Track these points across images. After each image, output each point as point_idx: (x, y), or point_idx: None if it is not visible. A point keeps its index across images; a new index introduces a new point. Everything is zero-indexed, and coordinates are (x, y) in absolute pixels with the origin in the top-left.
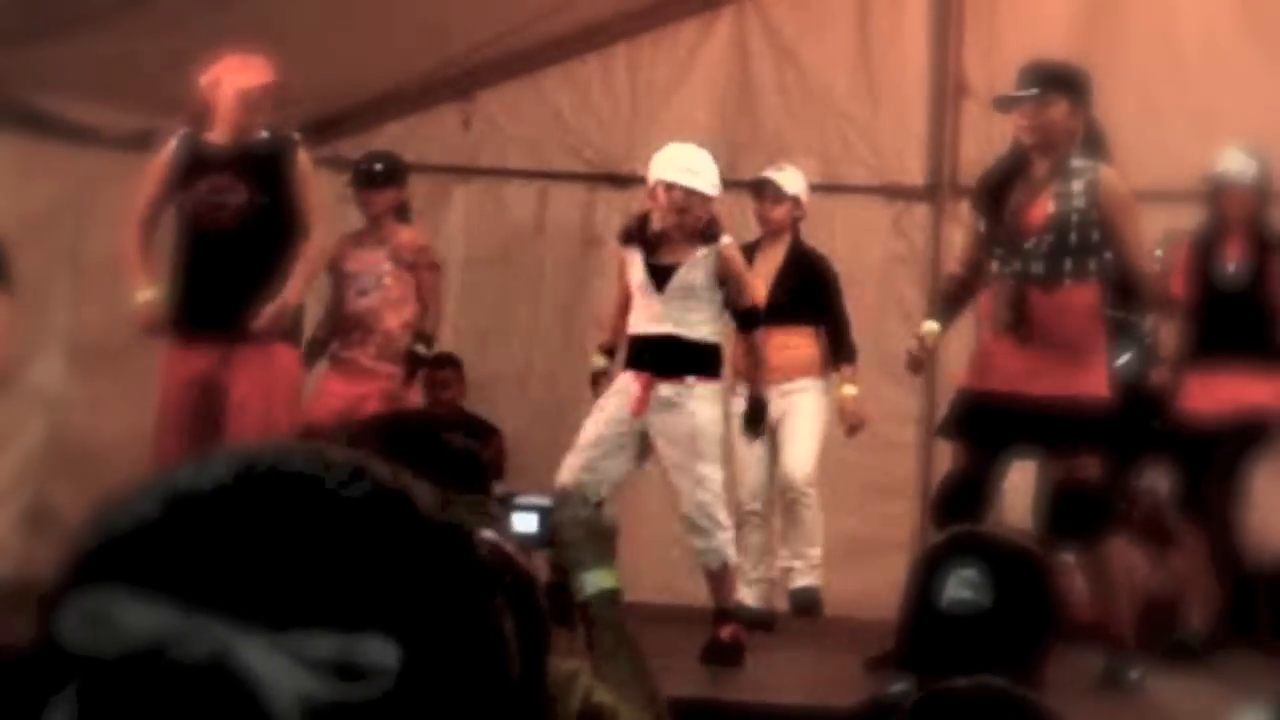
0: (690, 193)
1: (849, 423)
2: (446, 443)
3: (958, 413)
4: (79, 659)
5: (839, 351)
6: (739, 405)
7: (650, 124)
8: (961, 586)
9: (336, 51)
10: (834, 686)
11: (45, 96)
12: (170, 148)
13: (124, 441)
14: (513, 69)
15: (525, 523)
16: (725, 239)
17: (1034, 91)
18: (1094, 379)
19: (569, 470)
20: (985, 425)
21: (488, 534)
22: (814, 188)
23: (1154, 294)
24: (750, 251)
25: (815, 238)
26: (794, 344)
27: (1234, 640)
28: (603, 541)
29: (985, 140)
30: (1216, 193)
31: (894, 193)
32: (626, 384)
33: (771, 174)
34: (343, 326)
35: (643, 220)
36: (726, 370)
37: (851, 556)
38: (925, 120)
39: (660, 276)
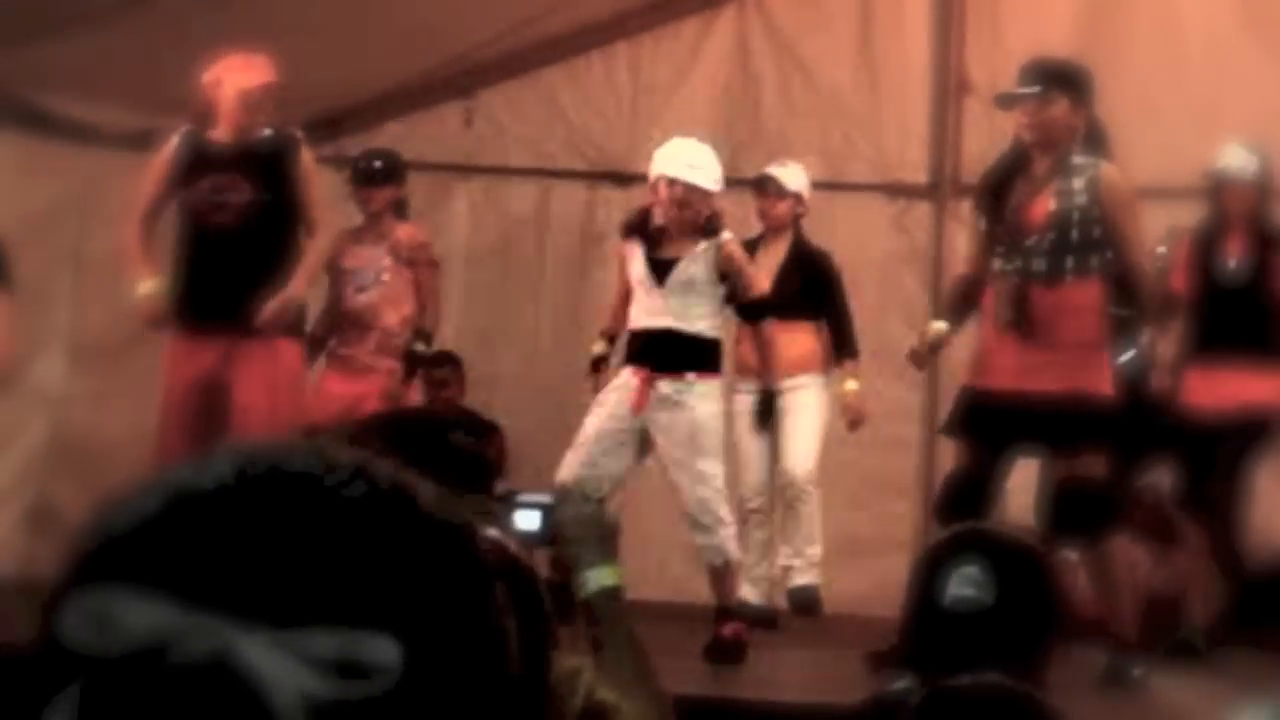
0: (691, 188)
1: (850, 417)
2: (448, 441)
3: (961, 411)
4: (81, 658)
5: (841, 347)
6: (743, 402)
7: (652, 122)
8: (964, 584)
9: (338, 50)
10: (836, 684)
11: (47, 95)
12: (173, 145)
13: (126, 440)
14: (514, 67)
15: (527, 520)
16: (726, 234)
17: (1035, 89)
18: (1096, 376)
19: (569, 467)
20: (988, 423)
21: (491, 532)
22: (816, 185)
23: (1152, 294)
24: (752, 248)
25: (817, 235)
26: (795, 340)
27: (1237, 638)
28: (605, 539)
29: (987, 137)
30: (1217, 189)
31: (896, 190)
32: (626, 380)
33: (773, 171)
34: (341, 323)
35: (644, 214)
36: (727, 366)
37: (854, 554)
38: (927, 118)
39: (661, 270)
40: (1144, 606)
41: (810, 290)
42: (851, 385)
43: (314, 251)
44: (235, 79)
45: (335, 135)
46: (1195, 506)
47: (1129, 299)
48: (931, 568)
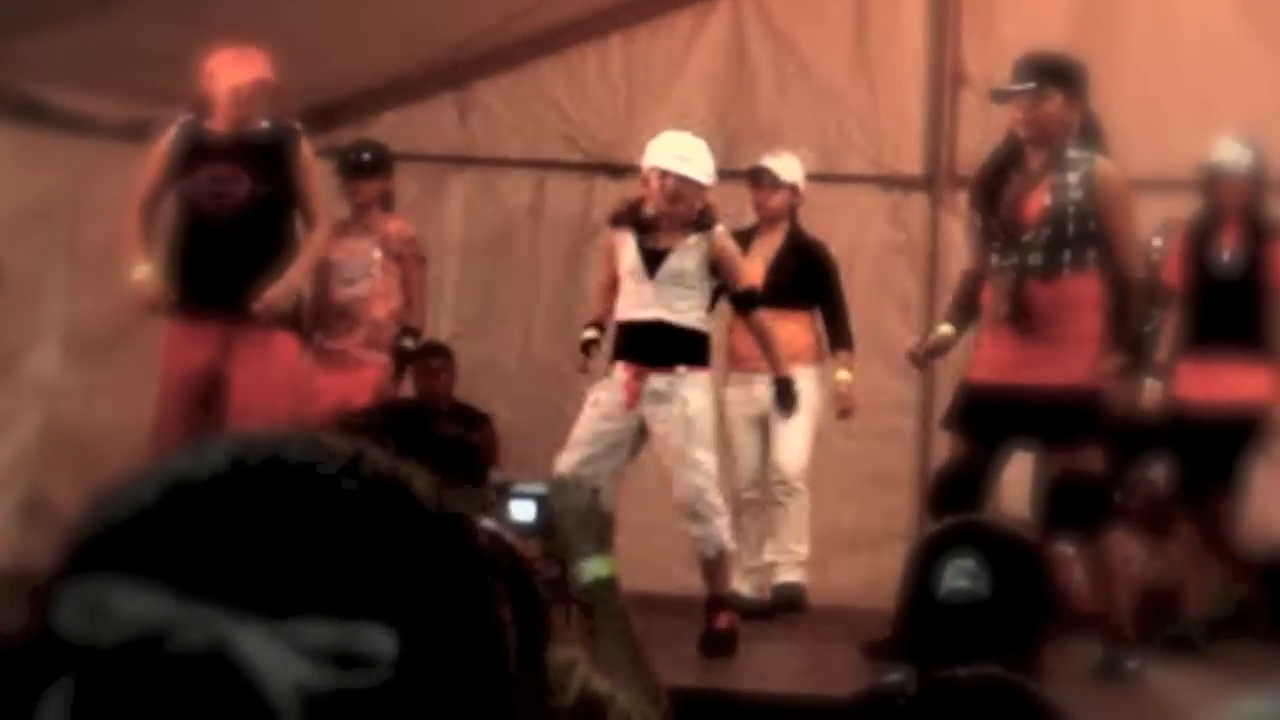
0: (684, 180)
1: (840, 406)
2: (438, 432)
3: (958, 405)
4: (76, 648)
5: (836, 338)
6: (736, 393)
7: (647, 113)
8: (959, 576)
9: (333, 41)
10: (831, 676)
11: (42, 86)
12: (171, 134)
13: (120, 431)
14: (509, 59)
15: (522, 511)
16: (719, 228)
17: (1030, 86)
18: (1087, 366)
19: (564, 467)
20: (982, 418)
21: (486, 523)
22: (811, 177)
23: (1143, 294)
24: (747, 238)
25: (812, 227)
26: (789, 331)
27: (1235, 631)
28: (600, 529)
29: (982, 129)
30: (1212, 182)
31: (891, 182)
32: (617, 377)
33: (767, 162)
34: (327, 316)
35: (634, 205)
36: (721, 357)
37: (849, 546)
38: (923, 109)
39: (652, 262)
40: (1139, 599)
41: (805, 281)
42: (844, 376)
43: (313, 243)
44: (227, 74)
45: (330, 127)
46: (1191, 500)
47: (1121, 295)
48: (927, 560)
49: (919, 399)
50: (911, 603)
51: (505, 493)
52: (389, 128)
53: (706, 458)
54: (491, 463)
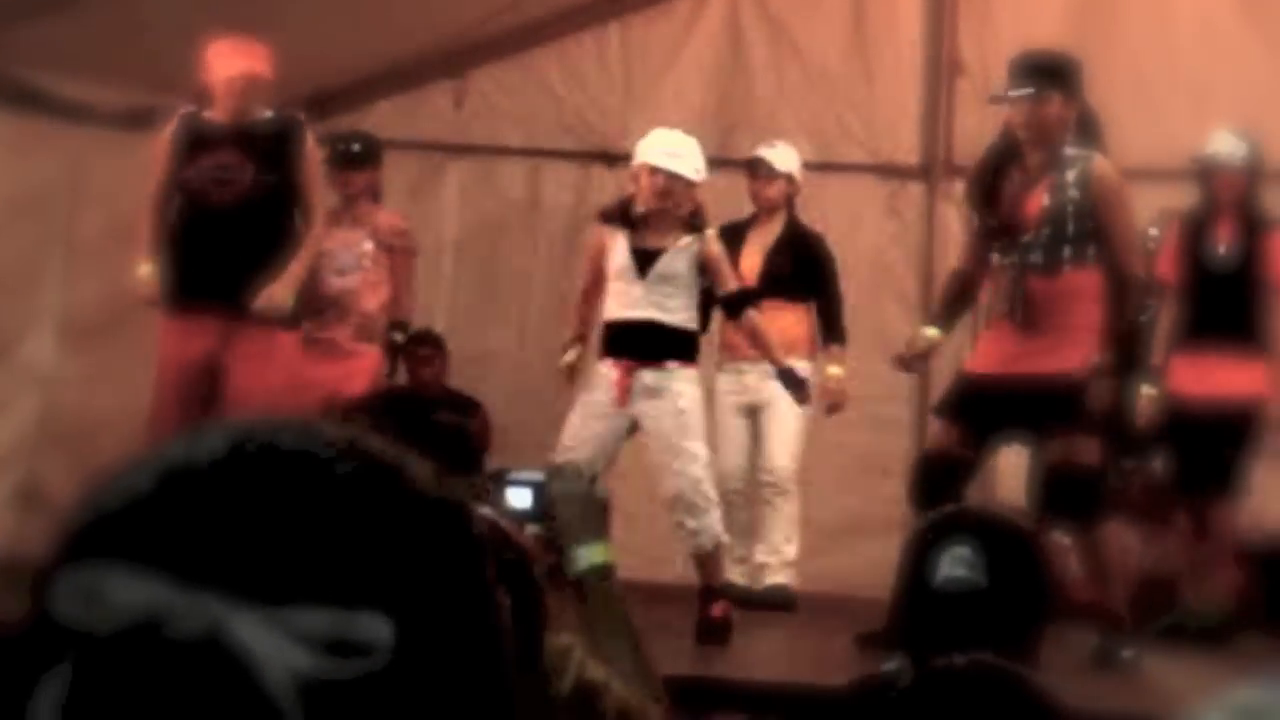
0: (673, 177)
1: (829, 401)
2: (432, 419)
3: (953, 394)
4: (72, 635)
5: (829, 331)
6: (726, 383)
7: (643, 102)
8: (955, 565)
9: (329, 29)
10: (826, 665)
11: (39, 73)
12: (171, 127)
13: (116, 419)
14: (505, 47)
15: (519, 498)
16: (709, 231)
17: (1029, 90)
18: (1083, 355)
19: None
20: (976, 408)
21: (483, 510)
22: (808, 166)
23: (1142, 290)
24: (743, 229)
25: (809, 217)
26: (785, 321)
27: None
28: (596, 516)
29: (979, 119)
30: (1207, 174)
31: (888, 171)
32: (606, 376)
33: (764, 152)
34: (316, 306)
35: (624, 204)
36: (710, 349)
37: (844, 535)
38: (919, 99)
39: (643, 262)
40: (1135, 589)
41: (801, 272)
42: (835, 370)
43: (313, 238)
44: (222, 66)
45: (326, 115)
46: (1188, 493)
47: (1119, 290)
48: (923, 548)
49: (916, 388)
50: (907, 591)
51: (502, 480)
52: (384, 116)
53: (700, 449)
54: (484, 449)
